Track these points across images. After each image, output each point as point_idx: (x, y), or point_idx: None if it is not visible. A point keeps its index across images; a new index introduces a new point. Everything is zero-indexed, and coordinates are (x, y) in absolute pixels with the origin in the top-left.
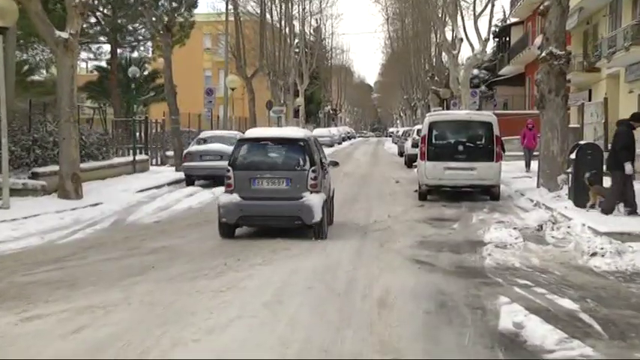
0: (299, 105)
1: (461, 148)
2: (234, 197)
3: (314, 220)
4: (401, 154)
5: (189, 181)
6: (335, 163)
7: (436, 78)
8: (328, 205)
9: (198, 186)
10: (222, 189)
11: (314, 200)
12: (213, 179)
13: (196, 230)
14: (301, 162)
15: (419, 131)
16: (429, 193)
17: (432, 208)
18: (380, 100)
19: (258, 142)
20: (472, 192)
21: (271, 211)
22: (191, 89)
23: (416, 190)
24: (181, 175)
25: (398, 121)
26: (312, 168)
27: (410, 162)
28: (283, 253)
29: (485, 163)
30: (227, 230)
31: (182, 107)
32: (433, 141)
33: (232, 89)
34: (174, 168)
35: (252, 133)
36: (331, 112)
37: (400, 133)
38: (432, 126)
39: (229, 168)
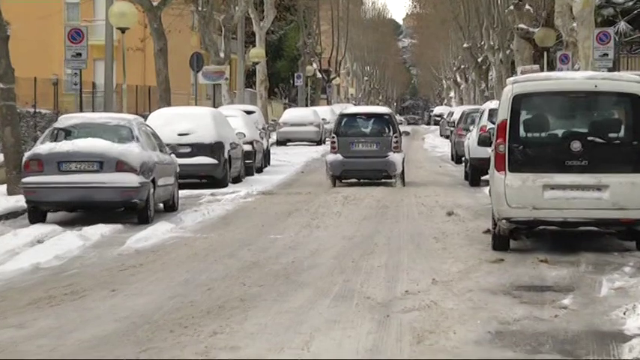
0: (256, 62)
1: (577, 146)
2: (338, 156)
3: (396, 171)
4: (458, 158)
5: (36, 213)
6: (407, 133)
7: (527, 7)
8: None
9: (54, 223)
10: (106, 228)
11: (396, 157)
12: (85, 209)
13: (51, 313)
14: (387, 130)
15: (493, 114)
16: (513, 236)
17: (519, 266)
18: (416, 53)
19: (354, 116)
20: (600, 233)
21: (365, 166)
22: (39, 31)
23: (488, 230)
24: (21, 201)
25: (451, 94)
26: (395, 134)
27: (475, 174)
28: (223, 355)
29: (625, 177)
30: (333, 180)
31: (21, 67)
32: (521, 133)
33: (122, 30)
34: (4, 187)
35: (348, 109)
36: (320, 75)
37: (456, 117)
38: (518, 103)
39: (334, 135)
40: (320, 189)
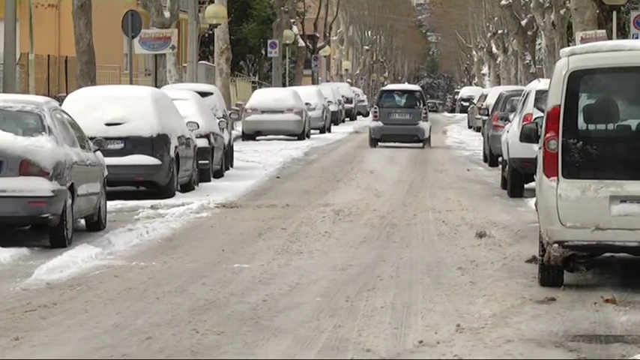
0: (214, 24)
1: None
2: (379, 123)
3: (424, 136)
4: (493, 158)
5: None
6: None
7: None
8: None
9: None
10: (6, 252)
11: (425, 125)
12: None
13: None
14: (418, 103)
15: (541, 98)
16: (568, 267)
17: (576, 308)
18: (435, 13)
19: (392, 92)
20: None
21: (400, 131)
22: None
23: (533, 259)
24: None
25: (484, 70)
26: (424, 107)
27: (517, 181)
28: None
29: None
30: (374, 142)
31: None
32: (580, 124)
33: None
34: None
35: (387, 87)
36: (303, 43)
37: (491, 101)
38: (577, 82)
39: (376, 106)
40: (303, 200)
